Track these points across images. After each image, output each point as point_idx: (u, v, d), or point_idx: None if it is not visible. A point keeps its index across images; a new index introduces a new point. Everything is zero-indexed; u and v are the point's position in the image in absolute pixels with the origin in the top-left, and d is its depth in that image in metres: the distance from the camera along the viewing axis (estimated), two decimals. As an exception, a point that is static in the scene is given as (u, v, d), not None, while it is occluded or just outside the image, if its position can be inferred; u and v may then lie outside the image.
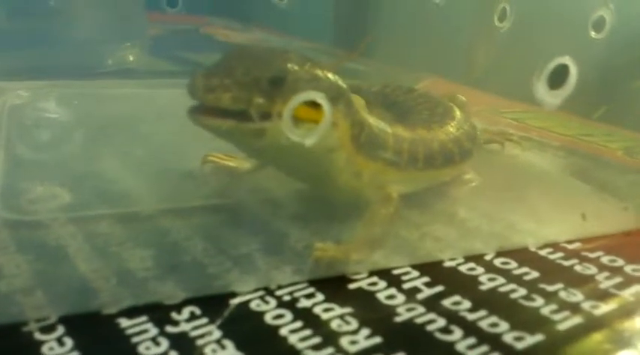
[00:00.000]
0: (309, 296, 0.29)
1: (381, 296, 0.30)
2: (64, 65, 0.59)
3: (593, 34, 0.42)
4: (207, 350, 0.25)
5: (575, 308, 0.29)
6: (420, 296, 0.30)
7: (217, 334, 0.26)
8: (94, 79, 0.61)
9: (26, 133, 0.43)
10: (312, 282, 0.30)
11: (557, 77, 0.37)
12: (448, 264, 0.33)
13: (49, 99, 0.52)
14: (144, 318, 0.27)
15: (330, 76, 0.32)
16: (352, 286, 0.31)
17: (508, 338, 0.27)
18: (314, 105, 0.30)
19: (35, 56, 0.60)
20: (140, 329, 0.26)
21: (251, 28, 0.91)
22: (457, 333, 0.27)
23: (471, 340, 0.27)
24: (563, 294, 0.30)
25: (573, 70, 0.33)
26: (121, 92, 0.59)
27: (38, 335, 0.26)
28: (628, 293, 0.31)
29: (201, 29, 0.94)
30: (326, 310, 0.28)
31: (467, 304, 0.29)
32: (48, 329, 0.26)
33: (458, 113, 0.44)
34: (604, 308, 0.30)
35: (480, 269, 0.33)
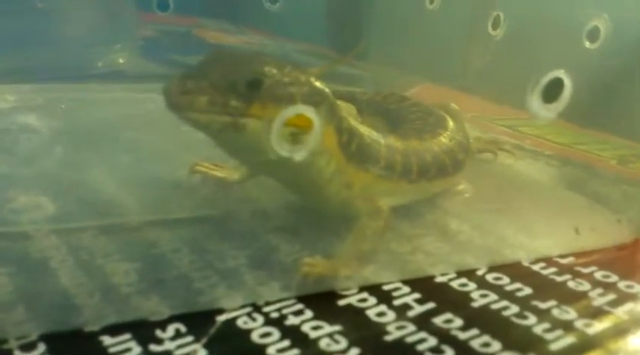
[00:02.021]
0: (298, 313, 0.29)
1: (371, 313, 0.29)
2: (52, 68, 0.58)
3: (587, 43, 0.42)
4: (192, 370, 0.25)
5: (568, 326, 0.29)
6: (410, 313, 0.29)
7: (203, 353, 0.26)
8: (83, 81, 0.60)
9: (10, 140, 0.42)
10: (300, 298, 0.30)
11: (552, 89, 0.36)
12: (440, 279, 0.33)
13: (35, 104, 0.51)
14: (127, 336, 0.26)
15: (309, 79, 0.31)
16: (342, 302, 0.30)
17: (500, 358, 0.26)
18: None
19: (23, 58, 0.59)
20: (123, 348, 0.26)
21: (243, 30, 0.90)
22: (448, 353, 0.26)
23: (463, 361, 0.26)
24: (556, 312, 0.30)
25: (568, 83, 0.32)
26: (109, 96, 0.58)
27: (18, 354, 0.25)
28: (622, 311, 0.30)
29: (193, 31, 0.93)
30: (315, 328, 0.28)
31: (458, 322, 0.29)
32: (28, 347, 0.25)
33: (450, 123, 0.43)
34: (597, 326, 0.29)
35: (471, 285, 0.32)
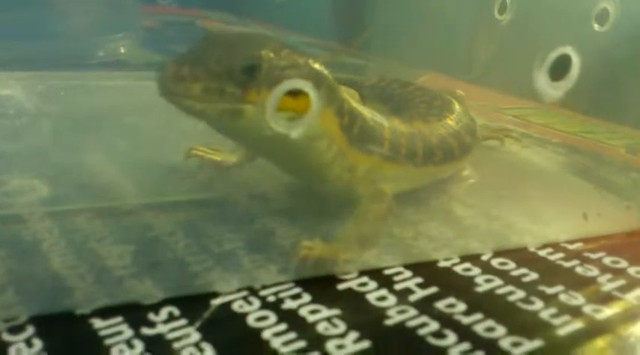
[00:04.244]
0: (295, 296, 0.28)
1: (371, 297, 0.28)
2: (54, 56, 0.58)
3: (596, 26, 0.41)
4: (185, 353, 0.24)
5: (576, 312, 0.28)
6: (412, 297, 0.28)
7: (196, 336, 0.25)
8: (84, 70, 0.60)
9: (7, 124, 0.42)
10: (298, 282, 0.29)
11: (559, 70, 0.35)
12: (443, 264, 0.32)
13: (34, 90, 0.51)
14: (119, 319, 0.25)
15: (308, 62, 0.30)
16: (341, 286, 0.29)
17: (505, 343, 0.25)
18: (293, 94, 0.29)
19: (25, 47, 0.58)
20: (114, 331, 0.25)
21: (248, 21, 0.90)
22: (451, 338, 0.25)
23: (466, 345, 0.25)
24: (563, 297, 0.29)
25: (576, 61, 0.31)
26: (109, 84, 0.57)
27: (6, 336, 0.24)
28: (632, 297, 0.29)
29: (197, 22, 0.92)
30: (312, 312, 0.27)
31: (462, 307, 0.28)
32: (17, 329, 0.25)
33: (457, 106, 0.42)
34: (606, 312, 0.28)
35: (476, 270, 0.31)
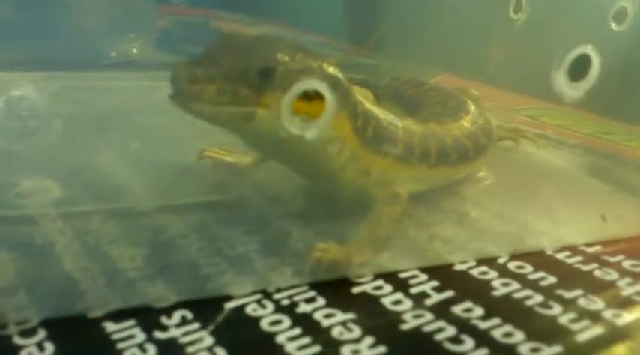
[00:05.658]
0: (310, 300, 0.27)
1: (386, 301, 0.28)
2: (66, 57, 0.57)
3: (613, 25, 0.40)
4: (197, 358, 0.24)
5: (595, 317, 0.27)
6: (428, 301, 0.28)
7: (209, 340, 0.24)
8: (97, 71, 0.60)
9: (20, 125, 0.41)
10: (313, 285, 0.28)
11: (577, 70, 0.35)
12: (459, 267, 0.31)
13: (47, 90, 0.51)
14: (131, 322, 0.25)
15: (322, 66, 0.30)
16: (356, 290, 0.29)
17: (523, 349, 0.25)
18: (307, 98, 0.29)
19: (38, 47, 0.58)
20: (127, 335, 0.25)
21: (261, 22, 0.89)
22: (468, 343, 0.25)
23: (484, 351, 0.25)
24: (582, 302, 0.28)
25: (596, 61, 0.31)
26: (121, 84, 0.57)
27: (18, 340, 0.24)
28: (652, 301, 0.29)
29: (211, 23, 0.92)
30: (327, 316, 0.26)
31: (479, 311, 0.27)
32: (28, 332, 0.24)
33: (472, 106, 0.41)
34: (627, 317, 0.27)
35: (492, 274, 0.31)
